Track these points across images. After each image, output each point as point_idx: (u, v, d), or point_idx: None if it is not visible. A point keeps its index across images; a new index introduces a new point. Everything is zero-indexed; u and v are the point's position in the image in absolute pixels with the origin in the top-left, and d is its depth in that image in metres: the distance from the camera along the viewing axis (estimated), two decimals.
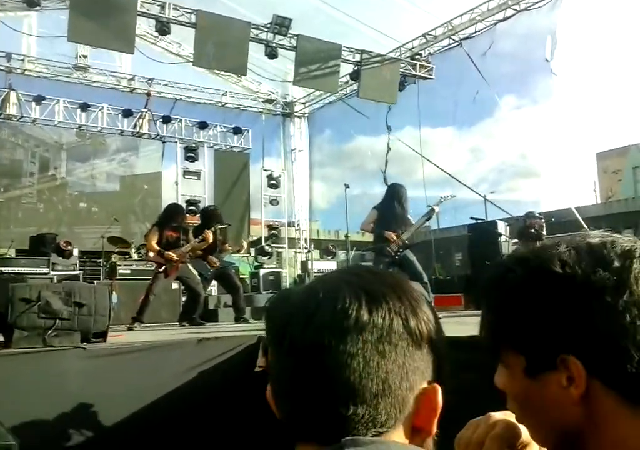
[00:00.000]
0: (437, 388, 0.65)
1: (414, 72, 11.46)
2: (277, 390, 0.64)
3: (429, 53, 11.90)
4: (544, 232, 8.15)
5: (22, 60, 12.03)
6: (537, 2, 10.34)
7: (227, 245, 7.91)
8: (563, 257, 0.69)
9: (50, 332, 4.31)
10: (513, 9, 10.58)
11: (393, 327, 0.62)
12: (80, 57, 12.19)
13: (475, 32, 11.25)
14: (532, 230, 8.02)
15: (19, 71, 11.89)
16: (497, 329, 0.74)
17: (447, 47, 11.78)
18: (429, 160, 11.45)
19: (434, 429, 0.65)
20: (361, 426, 0.60)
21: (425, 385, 0.64)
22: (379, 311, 0.62)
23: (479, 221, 8.92)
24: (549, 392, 0.69)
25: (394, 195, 7.15)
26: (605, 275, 0.66)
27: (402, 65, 11.30)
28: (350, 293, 0.62)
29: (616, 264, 0.67)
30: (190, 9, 9.16)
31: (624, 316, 0.65)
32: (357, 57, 10.64)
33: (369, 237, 7.61)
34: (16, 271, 8.13)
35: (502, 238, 8.39)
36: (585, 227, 8.09)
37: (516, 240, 8.33)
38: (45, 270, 8.43)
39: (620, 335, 0.65)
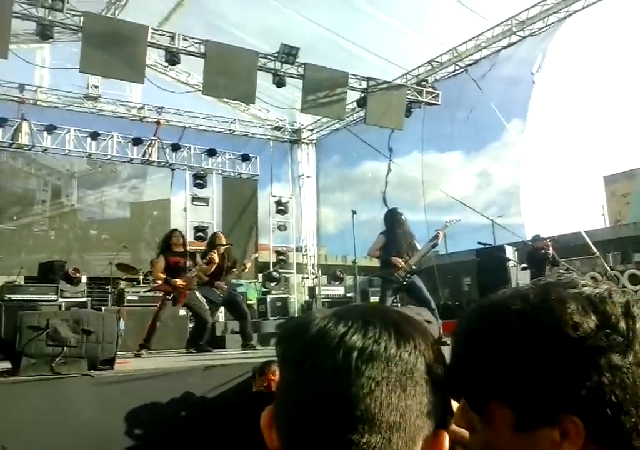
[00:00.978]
0: (445, 434, 0.65)
1: (420, 98, 11.57)
2: (288, 412, 0.63)
3: (435, 79, 12.02)
4: (553, 253, 8.13)
5: (35, 90, 12.28)
6: (540, 29, 10.46)
7: (234, 268, 7.92)
8: (575, 318, 0.67)
9: (58, 359, 4.32)
10: (517, 35, 10.70)
11: (417, 365, 0.62)
12: (91, 87, 12.42)
13: (481, 58, 11.37)
14: (542, 252, 8.01)
15: (31, 101, 12.12)
16: (487, 381, 0.70)
17: (452, 73, 11.90)
18: (428, 181, 11.47)
19: None
20: None
21: (433, 428, 0.64)
22: (406, 346, 0.62)
23: (487, 246, 8.90)
24: (537, 447, 0.67)
25: (393, 220, 7.17)
26: (615, 338, 0.66)
27: (409, 91, 11.41)
28: (380, 324, 0.63)
29: (622, 324, 0.67)
30: (199, 39, 9.34)
31: (628, 377, 0.65)
32: (364, 84, 10.76)
33: (376, 262, 7.60)
34: (25, 298, 8.17)
35: (511, 263, 8.36)
36: (595, 250, 8.07)
37: (525, 265, 8.31)
38: (53, 297, 8.46)
39: (623, 394, 0.65)
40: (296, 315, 11.13)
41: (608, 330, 0.66)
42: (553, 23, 10.28)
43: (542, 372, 0.67)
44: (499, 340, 0.69)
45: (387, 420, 0.59)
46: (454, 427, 0.72)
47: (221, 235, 7.99)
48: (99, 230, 12.78)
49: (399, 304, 7.31)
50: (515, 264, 8.40)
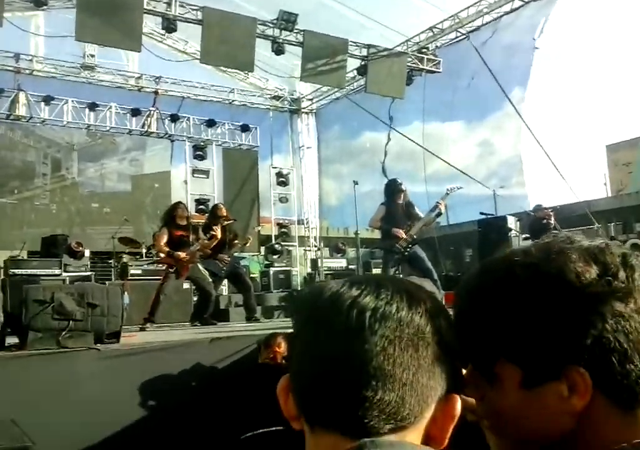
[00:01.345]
0: (457, 398, 0.66)
1: (421, 66, 11.40)
2: (304, 374, 0.65)
3: (436, 46, 11.83)
4: (554, 223, 8.13)
5: (30, 60, 12.09)
6: None
7: (235, 241, 7.93)
8: (577, 267, 0.68)
9: (64, 333, 4.34)
10: (520, 0, 10.50)
11: (428, 327, 0.64)
12: (87, 56, 12.23)
13: (483, 24, 11.18)
14: (544, 222, 8.00)
15: (27, 71, 11.95)
16: (493, 337, 0.70)
17: (454, 41, 11.71)
18: (431, 152, 11.39)
19: (446, 441, 0.66)
20: (383, 415, 0.61)
21: (445, 391, 0.65)
22: (417, 309, 0.64)
23: (489, 216, 8.89)
24: (547, 403, 0.67)
25: (393, 191, 7.14)
26: (617, 285, 0.67)
27: (409, 59, 11.24)
28: (392, 288, 0.65)
29: (622, 273, 0.68)
30: (197, 5, 9.16)
31: (630, 324, 0.67)
32: (364, 52, 10.60)
33: (378, 234, 7.60)
34: (29, 273, 8.17)
35: (513, 233, 8.36)
36: (594, 221, 8.07)
37: (527, 235, 8.30)
38: (57, 271, 8.46)
39: (627, 341, 0.66)
40: (299, 287, 11.17)
41: (609, 278, 0.68)
42: None
43: (547, 322, 0.67)
44: (504, 293, 0.71)
45: (400, 378, 0.61)
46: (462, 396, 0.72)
47: (222, 207, 7.97)
48: (100, 203, 12.72)
49: (400, 275, 7.32)
50: (517, 234, 8.40)
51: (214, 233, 7.12)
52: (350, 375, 0.61)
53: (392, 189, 7.19)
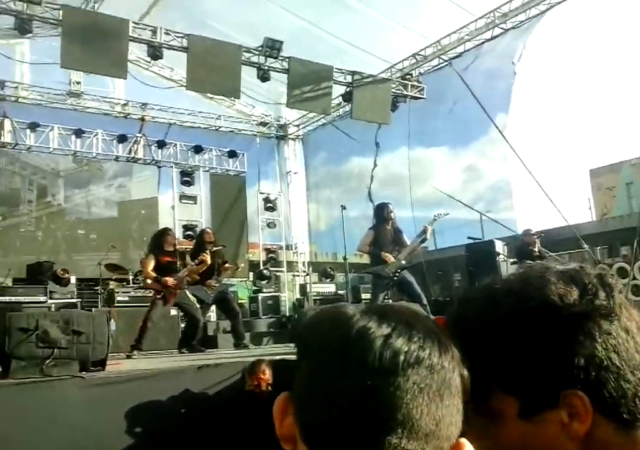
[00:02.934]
0: (465, 444, 0.64)
1: (405, 92, 11.55)
2: (320, 402, 0.61)
3: (419, 73, 12.01)
4: (543, 249, 8.19)
5: (16, 87, 12.07)
6: (522, 21, 10.50)
7: (225, 266, 7.88)
8: (558, 289, 0.68)
9: (48, 361, 4.28)
10: (500, 28, 10.73)
11: (454, 375, 0.62)
12: (73, 83, 12.24)
13: (464, 51, 11.39)
14: (530, 247, 8.06)
15: (12, 99, 11.93)
16: (485, 369, 0.69)
17: (436, 67, 11.90)
18: (415, 176, 11.49)
19: None
20: None
21: (457, 437, 0.63)
22: (446, 355, 0.62)
23: (476, 240, 8.92)
24: (548, 431, 0.66)
25: (383, 215, 7.17)
26: (600, 303, 0.68)
27: (394, 85, 11.39)
28: (423, 330, 0.62)
29: (601, 292, 0.69)
30: (182, 33, 9.24)
31: (619, 341, 0.67)
32: (349, 78, 10.72)
33: (367, 259, 7.60)
34: (13, 300, 8.05)
35: (501, 257, 8.39)
36: (584, 244, 8.13)
37: (514, 260, 8.34)
38: (42, 298, 8.35)
39: (619, 359, 0.66)
40: (288, 313, 11.08)
41: (590, 297, 0.68)
42: (535, 15, 10.32)
43: (536, 347, 0.67)
44: (489, 322, 0.70)
45: (425, 428, 0.59)
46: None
47: (210, 232, 7.93)
48: (87, 230, 12.57)
49: (390, 300, 7.31)
50: (506, 258, 8.43)
51: (202, 258, 7.08)
52: (376, 418, 0.58)
53: (382, 212, 7.23)
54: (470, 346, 0.69)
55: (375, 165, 12.54)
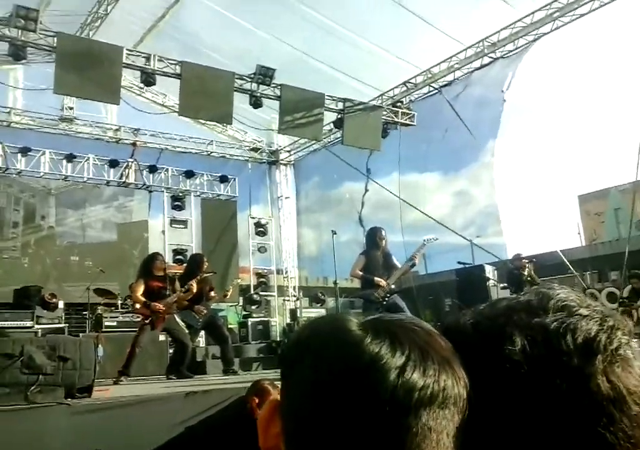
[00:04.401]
0: None
1: (395, 119, 11.69)
2: (319, 424, 0.56)
3: (410, 100, 12.17)
4: (533, 274, 8.22)
5: (8, 112, 12.13)
6: (512, 51, 10.70)
7: (213, 292, 7.84)
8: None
9: (33, 388, 4.21)
10: (489, 57, 10.93)
11: (464, 406, 0.58)
12: (66, 108, 12.31)
13: (454, 79, 11.58)
14: (521, 272, 8.09)
15: (4, 124, 11.97)
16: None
17: (427, 95, 12.08)
18: (407, 203, 11.56)
19: None
20: None
21: None
22: (459, 386, 0.58)
23: (466, 265, 8.94)
24: None
25: (374, 239, 7.20)
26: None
27: (384, 112, 11.53)
28: (437, 359, 0.57)
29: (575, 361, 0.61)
30: (175, 60, 9.34)
31: None
32: (340, 106, 10.84)
33: (358, 284, 7.59)
34: None
35: (491, 282, 8.41)
36: (572, 269, 8.18)
37: (504, 284, 8.36)
38: (29, 323, 8.29)
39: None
40: (278, 339, 10.98)
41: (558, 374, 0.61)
42: (523, 45, 10.53)
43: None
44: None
45: None
46: None
47: (205, 260, 7.89)
48: (80, 255, 12.19)
49: None
50: (495, 283, 8.45)
51: (189, 287, 7.06)
52: None
53: (374, 237, 7.24)
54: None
55: (366, 190, 12.62)
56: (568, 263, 8.04)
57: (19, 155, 11.56)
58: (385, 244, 7.23)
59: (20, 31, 8.10)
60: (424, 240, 7.24)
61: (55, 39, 8.32)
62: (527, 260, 8.40)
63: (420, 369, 0.55)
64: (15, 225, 11.74)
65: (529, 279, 8.12)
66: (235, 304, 11.93)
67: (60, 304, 8.98)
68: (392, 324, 0.60)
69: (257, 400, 4.12)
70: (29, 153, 11.59)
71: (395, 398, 0.54)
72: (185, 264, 9.38)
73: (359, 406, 0.54)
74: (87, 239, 12.48)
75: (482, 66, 11.12)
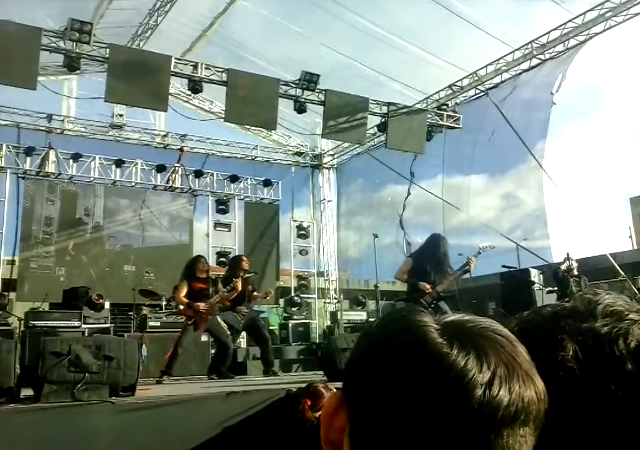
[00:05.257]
0: None
1: (440, 122, 11.56)
2: (399, 430, 0.53)
3: (455, 103, 12.02)
4: (579, 275, 8.00)
5: (62, 120, 12.57)
6: (560, 52, 10.44)
7: (255, 293, 7.92)
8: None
9: (79, 386, 4.33)
10: (538, 59, 10.70)
11: (542, 420, 0.56)
12: (116, 116, 12.65)
13: (501, 81, 11.37)
14: (567, 274, 7.89)
15: (58, 131, 12.40)
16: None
17: (473, 97, 11.91)
18: (451, 204, 11.40)
19: None
20: None
21: None
22: (541, 401, 0.55)
23: (511, 269, 8.76)
24: None
25: (433, 245, 7.09)
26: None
27: (429, 115, 11.42)
28: (521, 372, 0.55)
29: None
30: (222, 67, 9.48)
31: None
32: (384, 109, 10.79)
33: (399, 287, 7.54)
34: (48, 325, 8.22)
35: (536, 286, 8.22)
36: (622, 273, 7.91)
37: (550, 288, 8.16)
38: (76, 323, 8.51)
39: None
40: (318, 340, 10.98)
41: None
42: (574, 46, 10.25)
43: None
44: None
45: None
46: None
47: (245, 259, 7.98)
48: (124, 256, 12.32)
49: None
50: (541, 287, 8.25)
51: (234, 285, 7.13)
52: None
53: (434, 243, 7.12)
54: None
55: (408, 193, 12.50)
56: (618, 266, 7.78)
57: (71, 161, 11.94)
58: (444, 251, 7.07)
59: (74, 43, 8.34)
60: (480, 247, 7.10)
61: (107, 50, 8.56)
62: (574, 261, 8.16)
63: (506, 385, 0.53)
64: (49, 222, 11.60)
65: (575, 279, 7.90)
66: (277, 306, 12.00)
67: (107, 305, 9.21)
68: (476, 333, 0.57)
69: (309, 403, 4.10)
70: (80, 159, 11.96)
71: (480, 416, 0.51)
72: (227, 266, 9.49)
73: (442, 424, 0.52)
74: (129, 241, 12.48)
75: (531, 68, 10.89)
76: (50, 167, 11.82)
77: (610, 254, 8.29)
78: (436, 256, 6.97)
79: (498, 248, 10.23)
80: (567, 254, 8.46)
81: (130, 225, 12.66)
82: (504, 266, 8.65)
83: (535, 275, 8.36)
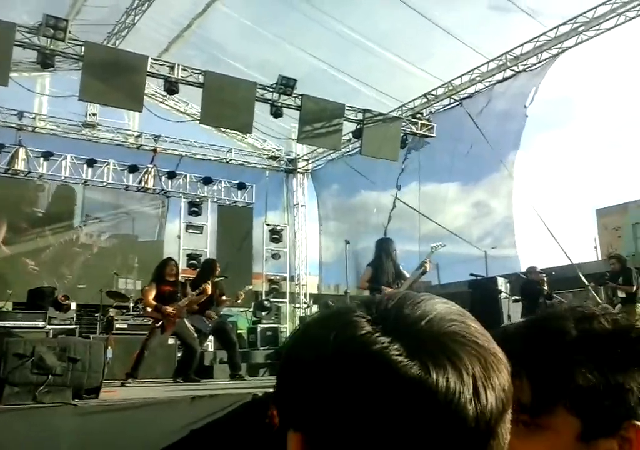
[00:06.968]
0: None
1: (415, 131, 11.68)
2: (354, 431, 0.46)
3: (430, 112, 12.16)
4: (546, 288, 8.14)
5: (34, 118, 12.38)
6: (534, 64, 10.64)
7: (224, 297, 7.89)
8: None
9: (42, 388, 4.27)
10: (512, 70, 10.88)
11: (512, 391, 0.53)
12: (89, 115, 12.52)
13: (475, 91, 11.54)
14: (539, 286, 8.01)
15: (29, 128, 12.21)
16: (555, 387, 0.67)
17: (447, 107, 12.05)
18: (422, 214, 11.52)
19: None
20: None
21: None
22: (509, 377, 0.52)
23: (479, 277, 8.87)
24: None
25: (382, 250, 7.17)
26: None
27: (404, 123, 11.53)
28: (495, 365, 0.51)
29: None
30: (199, 69, 9.45)
31: None
32: (360, 116, 10.87)
33: (369, 292, 7.57)
34: (12, 325, 8.03)
35: (503, 295, 8.34)
36: (586, 283, 8.09)
37: (517, 297, 8.29)
38: (41, 324, 8.36)
39: None
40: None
41: None
42: (546, 59, 10.46)
43: (618, 374, 0.66)
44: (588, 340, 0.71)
45: None
46: None
47: (216, 266, 7.95)
48: (94, 257, 12.21)
49: None
50: (508, 296, 8.38)
51: (203, 288, 7.10)
52: None
53: (380, 248, 7.23)
54: (552, 364, 0.67)
55: (394, 206, 12.55)
56: (582, 277, 7.94)
57: (42, 159, 11.75)
58: (395, 254, 7.20)
59: (49, 40, 8.23)
60: (432, 247, 7.20)
61: (83, 47, 8.46)
62: (545, 274, 8.31)
63: (488, 384, 0.48)
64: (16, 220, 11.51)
65: (547, 293, 8.04)
66: (246, 309, 11.96)
67: (73, 306, 9.07)
68: (439, 340, 0.49)
69: None
70: (51, 157, 11.78)
71: (477, 429, 0.47)
72: (198, 269, 9.44)
73: (408, 423, 0.46)
74: (99, 243, 12.45)
75: (505, 79, 11.08)
76: (20, 165, 11.62)
77: (576, 264, 8.45)
78: (391, 260, 7.07)
79: (467, 255, 10.38)
80: (534, 267, 8.60)
81: (101, 226, 12.55)
82: (471, 274, 8.76)
83: (502, 284, 8.47)
